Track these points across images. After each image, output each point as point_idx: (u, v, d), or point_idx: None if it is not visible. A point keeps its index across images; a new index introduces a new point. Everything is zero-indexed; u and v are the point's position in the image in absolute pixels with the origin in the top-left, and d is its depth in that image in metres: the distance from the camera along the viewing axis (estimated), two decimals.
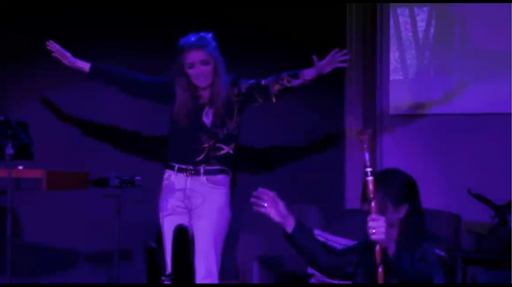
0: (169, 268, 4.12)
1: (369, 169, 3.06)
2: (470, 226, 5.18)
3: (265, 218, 3.40)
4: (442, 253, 3.17)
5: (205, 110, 4.13)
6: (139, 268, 5.53)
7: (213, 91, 4.14)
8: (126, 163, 5.75)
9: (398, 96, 5.90)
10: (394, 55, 5.92)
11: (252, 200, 3.36)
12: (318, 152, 6.00)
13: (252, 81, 4.33)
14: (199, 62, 4.09)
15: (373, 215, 3.00)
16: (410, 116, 5.88)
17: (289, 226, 3.34)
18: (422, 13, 5.88)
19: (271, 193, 3.33)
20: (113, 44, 6.03)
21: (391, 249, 3.01)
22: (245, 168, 5.28)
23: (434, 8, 5.85)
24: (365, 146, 3.09)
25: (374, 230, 2.98)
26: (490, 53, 5.69)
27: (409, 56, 5.91)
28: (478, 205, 5.20)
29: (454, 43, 5.80)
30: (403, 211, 3.23)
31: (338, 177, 5.90)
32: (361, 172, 5.81)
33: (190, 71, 4.11)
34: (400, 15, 5.92)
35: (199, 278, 4.09)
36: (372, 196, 3.04)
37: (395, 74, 5.92)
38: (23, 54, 6.11)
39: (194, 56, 4.09)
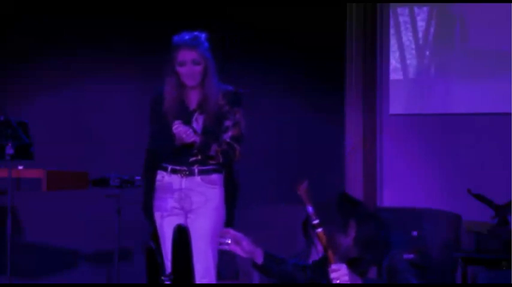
0: (168, 268, 4.13)
1: (315, 221, 3.04)
2: (470, 226, 5.18)
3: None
4: (411, 256, 3.13)
5: (195, 116, 4.12)
6: (139, 268, 5.53)
7: (203, 94, 4.12)
8: (126, 163, 5.75)
9: (398, 96, 5.90)
10: (394, 55, 5.91)
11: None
12: (318, 152, 5.99)
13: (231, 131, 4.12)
14: (191, 62, 4.09)
15: (333, 266, 3.00)
16: (410, 116, 5.88)
17: (259, 258, 3.44)
18: (422, 13, 5.88)
19: (232, 232, 3.44)
20: (113, 44, 6.04)
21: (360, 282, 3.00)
22: (244, 168, 5.25)
23: (434, 8, 5.85)
24: (305, 198, 3.07)
25: (338, 281, 2.97)
26: (490, 53, 5.69)
27: (409, 56, 5.90)
28: (478, 205, 5.19)
29: (454, 43, 5.79)
30: (352, 229, 3.19)
31: (338, 177, 5.89)
32: (361, 171, 5.84)
33: (181, 69, 4.10)
34: (400, 15, 5.92)
35: (197, 278, 4.09)
36: (325, 247, 3.01)
37: (395, 74, 5.92)
38: (23, 54, 6.11)
39: (186, 55, 4.09)
